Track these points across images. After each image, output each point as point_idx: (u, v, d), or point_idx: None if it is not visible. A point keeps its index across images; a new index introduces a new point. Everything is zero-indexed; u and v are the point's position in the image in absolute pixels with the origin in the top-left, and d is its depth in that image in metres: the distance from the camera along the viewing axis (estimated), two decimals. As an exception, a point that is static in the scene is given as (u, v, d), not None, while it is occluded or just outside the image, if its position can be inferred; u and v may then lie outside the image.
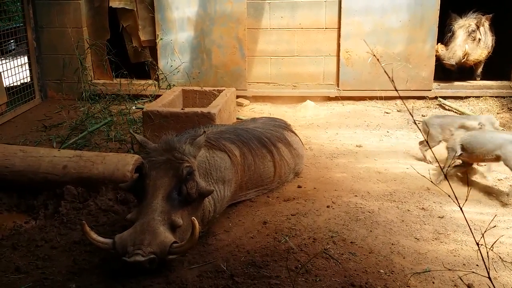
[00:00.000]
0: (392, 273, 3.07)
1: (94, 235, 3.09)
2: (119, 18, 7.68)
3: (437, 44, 7.35)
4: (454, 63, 7.24)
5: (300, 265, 3.11)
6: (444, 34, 7.55)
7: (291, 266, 3.11)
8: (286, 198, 4.22)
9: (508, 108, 6.89)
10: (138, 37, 7.67)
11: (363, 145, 5.69)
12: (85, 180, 3.97)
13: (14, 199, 4.05)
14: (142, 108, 5.88)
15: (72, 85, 7.54)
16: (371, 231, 3.61)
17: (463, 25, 7.37)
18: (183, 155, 3.43)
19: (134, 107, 6.99)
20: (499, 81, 7.49)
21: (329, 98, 7.49)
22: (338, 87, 7.47)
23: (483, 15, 7.37)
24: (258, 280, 2.97)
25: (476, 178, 4.66)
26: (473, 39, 7.35)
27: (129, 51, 7.84)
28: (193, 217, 3.14)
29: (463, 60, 7.28)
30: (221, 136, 4.07)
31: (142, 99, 7.38)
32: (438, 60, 7.34)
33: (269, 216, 3.84)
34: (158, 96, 6.49)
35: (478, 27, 7.35)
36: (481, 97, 7.31)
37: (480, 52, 7.43)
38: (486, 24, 7.42)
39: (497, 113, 6.72)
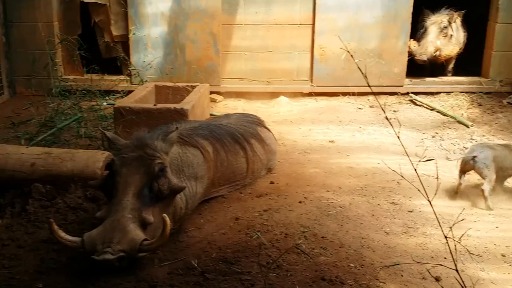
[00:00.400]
0: (362, 267, 3.11)
1: (62, 234, 3.04)
2: (91, 13, 7.57)
3: (410, 40, 7.44)
4: (425, 58, 7.35)
5: (271, 261, 3.11)
6: (417, 31, 7.65)
7: (263, 261, 3.11)
8: (259, 194, 4.22)
9: (478, 104, 7.01)
10: (110, 32, 7.57)
11: (335, 140, 5.73)
12: (54, 178, 3.90)
13: (-20, 197, 3.96)
14: (114, 104, 5.81)
15: (42, 81, 7.40)
16: (342, 225, 3.63)
17: (435, 21, 7.48)
18: (155, 152, 3.39)
19: (105, 103, 6.88)
20: (469, 77, 7.61)
21: (302, 94, 7.52)
22: (312, 83, 7.50)
23: (455, 12, 7.48)
24: (230, 276, 2.97)
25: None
26: (445, 35, 7.46)
27: (100, 46, 7.73)
28: (164, 214, 3.11)
29: (434, 56, 7.37)
30: (194, 132, 4.04)
31: (113, 95, 7.27)
32: (411, 55, 7.43)
33: (241, 212, 3.84)
34: (130, 92, 6.41)
35: (450, 23, 7.46)
36: (452, 92, 7.43)
37: (452, 48, 7.55)
38: (458, 21, 7.54)
39: (467, 109, 6.84)
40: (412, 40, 7.48)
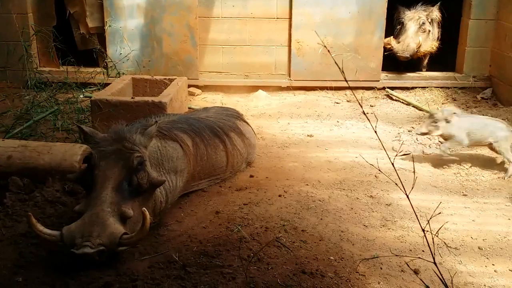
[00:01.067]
0: (342, 260, 3.15)
1: (41, 227, 3.00)
2: (66, 4, 7.44)
3: (387, 37, 7.51)
4: (408, 55, 7.39)
5: (252, 254, 3.13)
6: (393, 28, 7.72)
7: (244, 255, 3.13)
8: (239, 188, 4.23)
9: (453, 98, 7.13)
10: (86, 24, 7.45)
11: (314, 134, 5.77)
12: (31, 171, 3.85)
13: (-45, 191, 3.88)
14: (90, 97, 5.74)
15: (17, 72, 7.26)
16: (321, 219, 3.67)
17: (412, 17, 7.54)
18: (133, 145, 3.37)
19: (81, 96, 6.80)
20: (444, 72, 7.72)
21: (281, 88, 7.53)
22: (289, 77, 7.52)
23: (432, 7, 7.57)
24: (211, 270, 2.98)
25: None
26: (423, 31, 7.55)
27: (76, 38, 7.61)
28: (144, 208, 3.09)
29: (416, 52, 7.45)
30: (173, 126, 4.03)
31: (90, 88, 7.18)
32: (389, 52, 7.49)
33: (221, 205, 3.85)
34: (107, 84, 6.33)
35: (427, 19, 7.55)
36: (427, 87, 7.52)
37: (431, 44, 7.63)
38: (434, 16, 7.63)
39: (442, 103, 6.94)
40: (390, 37, 7.55)
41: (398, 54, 7.42)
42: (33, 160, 3.88)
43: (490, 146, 4.80)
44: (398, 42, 7.46)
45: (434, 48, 7.64)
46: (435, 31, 7.73)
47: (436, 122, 4.77)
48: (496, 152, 4.76)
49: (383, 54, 7.51)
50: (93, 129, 3.55)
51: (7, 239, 3.29)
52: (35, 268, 2.97)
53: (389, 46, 7.49)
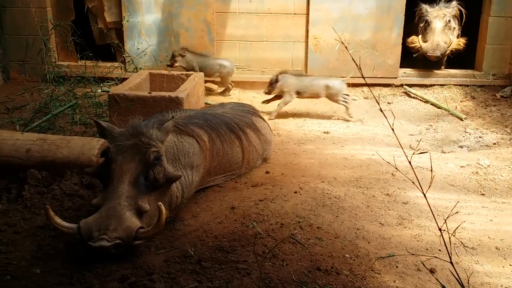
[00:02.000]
0: (357, 258, 3.13)
1: (59, 220, 3.04)
2: (85, -1, 7.51)
3: (408, 35, 7.45)
4: (439, 54, 7.28)
5: (267, 250, 3.13)
6: (412, 25, 7.64)
7: (259, 251, 3.13)
8: (254, 184, 4.24)
9: (472, 96, 7.06)
10: (104, 19, 7.51)
11: (330, 131, 5.75)
12: (49, 164, 3.89)
13: (-25, 183, 3.94)
14: (108, 91, 5.78)
15: (36, 66, 7.36)
16: (337, 216, 3.66)
17: (437, 15, 7.41)
18: (150, 140, 3.39)
19: (99, 90, 6.86)
20: (463, 70, 7.65)
21: (297, 84, 7.50)
22: (306, 73, 7.50)
23: (453, 3, 7.47)
24: (226, 265, 2.98)
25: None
26: (449, 28, 7.44)
27: (94, 33, 7.67)
28: (160, 202, 3.11)
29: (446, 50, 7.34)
30: (190, 121, 4.04)
31: (108, 82, 7.24)
32: (416, 52, 7.42)
33: (237, 201, 3.85)
34: (125, 79, 6.37)
35: (453, 17, 7.46)
36: (446, 85, 7.46)
37: (457, 41, 7.51)
38: (455, 13, 7.53)
39: (461, 101, 6.87)
40: (414, 36, 7.48)
41: (428, 54, 7.29)
42: (52, 154, 3.92)
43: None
44: (425, 41, 7.35)
45: (462, 45, 7.49)
46: (457, 28, 7.63)
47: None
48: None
49: (412, 56, 7.45)
50: (110, 124, 3.57)
51: (25, 231, 3.33)
52: (53, 260, 3.01)
53: (414, 45, 7.42)
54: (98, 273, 2.86)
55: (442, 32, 7.38)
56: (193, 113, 4.35)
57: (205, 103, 6.34)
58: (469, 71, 7.60)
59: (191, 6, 7.30)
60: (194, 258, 3.05)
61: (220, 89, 7.31)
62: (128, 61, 7.38)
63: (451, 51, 7.49)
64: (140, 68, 7.17)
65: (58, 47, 7.57)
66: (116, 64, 7.51)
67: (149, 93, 5.28)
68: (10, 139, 4.01)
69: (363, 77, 2.80)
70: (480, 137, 5.61)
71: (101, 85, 7.09)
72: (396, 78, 7.48)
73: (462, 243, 3.30)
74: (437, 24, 7.40)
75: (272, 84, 6.21)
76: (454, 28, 7.48)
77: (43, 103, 6.14)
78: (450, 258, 2.33)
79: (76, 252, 3.04)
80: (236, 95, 7.13)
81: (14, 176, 3.89)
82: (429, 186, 2.60)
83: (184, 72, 6.31)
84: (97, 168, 3.49)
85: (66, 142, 4.00)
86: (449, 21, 7.40)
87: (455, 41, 7.46)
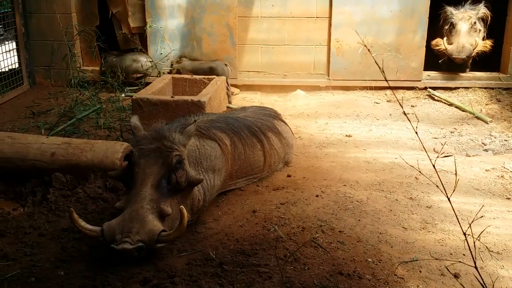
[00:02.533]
0: (380, 262, 3.10)
1: (82, 223, 3.08)
2: (109, 4, 7.60)
3: (433, 38, 7.37)
4: (465, 56, 7.18)
5: (289, 254, 3.12)
6: (439, 27, 7.56)
7: (280, 254, 3.12)
8: (276, 187, 4.23)
9: (497, 99, 6.94)
10: (128, 24, 7.60)
11: (352, 135, 5.71)
12: (74, 168, 3.95)
13: (1, 186, 4.01)
14: (132, 96, 5.85)
15: (61, 71, 7.48)
16: (359, 220, 3.63)
17: (463, 17, 7.33)
18: (172, 144, 3.41)
19: (123, 95, 6.95)
20: (488, 73, 7.53)
21: (319, 88, 7.50)
22: (328, 76, 7.48)
23: (479, 5, 7.38)
24: (247, 268, 2.98)
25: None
26: (475, 31, 7.35)
27: (118, 38, 7.76)
28: (182, 206, 3.13)
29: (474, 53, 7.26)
30: (212, 125, 4.06)
31: (131, 87, 7.33)
32: (442, 56, 7.35)
33: (258, 205, 3.85)
34: (148, 83, 6.45)
35: (478, 19, 7.36)
36: (471, 88, 7.35)
37: (483, 43, 7.40)
38: (481, 15, 7.43)
39: (486, 104, 6.76)
40: (439, 38, 7.41)
41: (453, 56, 7.20)
42: (76, 157, 3.97)
43: None
44: (450, 44, 7.27)
45: (488, 47, 7.36)
46: (483, 31, 7.52)
47: None
48: None
49: (439, 61, 7.38)
50: (138, 125, 3.59)
51: (50, 233, 3.38)
52: (77, 262, 3.05)
53: (439, 48, 7.34)
54: (121, 275, 2.89)
55: (468, 34, 7.27)
56: (215, 117, 4.37)
57: (227, 107, 6.37)
58: (495, 74, 7.48)
59: (214, 11, 7.35)
60: (216, 261, 3.06)
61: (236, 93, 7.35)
62: (151, 66, 7.46)
63: (477, 53, 7.38)
64: (163, 73, 7.24)
65: (82, 52, 7.69)
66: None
67: (172, 97, 5.33)
68: (36, 143, 4.08)
69: (386, 80, 2.78)
70: (506, 140, 5.51)
71: (125, 89, 7.17)
72: (420, 81, 7.40)
73: (487, 247, 3.24)
74: (462, 26, 7.29)
75: None
76: (480, 30, 7.38)
77: (68, 108, 6.24)
78: (475, 263, 2.29)
79: (99, 255, 3.08)
80: (258, 99, 7.14)
81: (40, 180, 3.96)
82: (454, 190, 2.56)
83: (207, 76, 6.35)
84: (121, 171, 3.53)
85: (90, 146, 4.06)
86: (475, 23, 7.30)
87: (481, 43, 7.35)
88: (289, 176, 4.48)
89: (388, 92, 7.24)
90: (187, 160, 3.51)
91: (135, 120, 3.62)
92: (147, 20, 7.41)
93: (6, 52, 7.13)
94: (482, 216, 3.52)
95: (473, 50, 7.23)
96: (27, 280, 2.86)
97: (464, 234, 2.29)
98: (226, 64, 7.14)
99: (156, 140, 3.41)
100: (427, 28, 7.25)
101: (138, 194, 3.19)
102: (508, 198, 4.10)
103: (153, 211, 3.14)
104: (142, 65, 7.41)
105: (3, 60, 7.01)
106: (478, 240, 2.59)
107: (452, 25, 7.38)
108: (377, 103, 6.94)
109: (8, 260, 3.07)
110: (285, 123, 4.97)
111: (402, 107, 2.72)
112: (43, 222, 3.50)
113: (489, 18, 7.44)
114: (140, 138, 3.48)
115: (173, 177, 3.31)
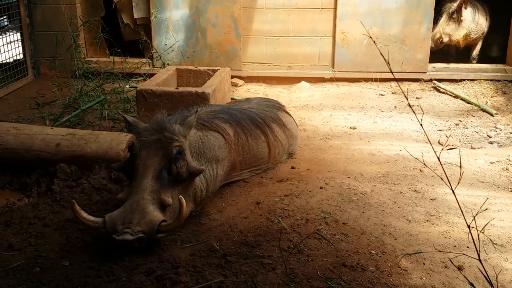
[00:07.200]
0: (384, 254, 3.10)
1: (84, 214, 3.09)
2: (113, -5, 7.60)
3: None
4: (433, 45, 7.42)
5: (292, 245, 3.13)
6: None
7: (284, 246, 3.12)
8: (280, 179, 4.23)
9: (503, 92, 6.90)
10: (132, 15, 7.59)
11: (357, 126, 5.70)
12: (78, 159, 3.96)
13: (6, 176, 4.03)
14: (136, 87, 5.84)
15: (65, 62, 7.48)
16: (363, 212, 3.63)
17: (445, 7, 7.57)
18: (173, 135, 3.42)
19: (128, 86, 6.95)
20: (494, 65, 7.50)
21: (324, 79, 7.48)
22: (333, 68, 7.45)
23: None
24: (251, 260, 2.99)
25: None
26: (454, 21, 7.42)
27: (122, 29, 7.76)
28: (180, 196, 3.14)
29: (441, 42, 7.46)
30: (215, 116, 4.06)
31: (136, 78, 7.32)
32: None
33: (262, 196, 3.85)
34: (152, 75, 6.45)
35: (460, 8, 7.40)
36: (476, 80, 7.32)
37: (465, 34, 7.55)
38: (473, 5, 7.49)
39: (491, 97, 6.73)
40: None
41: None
42: (81, 148, 3.98)
43: None
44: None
45: (473, 37, 7.60)
46: (480, 21, 7.55)
47: None
48: None
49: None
50: (136, 119, 3.61)
51: (54, 224, 3.40)
52: (82, 252, 3.06)
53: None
54: (125, 266, 2.90)
55: (443, 23, 7.52)
56: (219, 108, 4.37)
57: (231, 98, 6.36)
58: (500, 66, 7.45)
59: (218, 2, 7.32)
60: (220, 252, 3.06)
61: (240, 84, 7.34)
62: (156, 57, 7.45)
63: (460, 42, 7.65)
64: (168, 64, 7.23)
65: (87, 43, 7.69)
66: (144, 60, 7.58)
67: (176, 88, 5.32)
68: (41, 133, 4.08)
69: (392, 72, 2.75)
70: (511, 132, 5.48)
71: (129, 80, 7.17)
72: (425, 73, 7.36)
73: (491, 240, 3.23)
74: (442, 16, 7.58)
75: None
76: (461, 20, 7.49)
77: (73, 99, 6.25)
78: (479, 255, 2.28)
79: (104, 245, 3.09)
80: (263, 91, 7.13)
81: (44, 170, 3.97)
82: (458, 183, 2.55)
83: (211, 68, 6.33)
84: (123, 163, 3.55)
85: (94, 137, 4.06)
86: (453, 13, 7.49)
87: (462, 34, 7.54)
88: (293, 168, 4.48)
89: (393, 84, 7.21)
90: (188, 151, 3.51)
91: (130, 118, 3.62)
92: (151, 11, 7.39)
93: (10, 42, 7.13)
94: (486, 209, 3.50)
95: (440, 40, 7.44)
96: (32, 270, 2.87)
97: (468, 226, 2.28)
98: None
99: (157, 132, 3.42)
100: (433, 20, 7.22)
101: (139, 185, 3.20)
102: (513, 191, 4.09)
103: (153, 202, 3.15)
104: None
105: (8, 51, 7.01)
106: (482, 232, 2.58)
107: (440, 16, 7.60)
108: (382, 95, 6.92)
109: (13, 250, 3.09)
110: (289, 114, 4.96)
111: (407, 99, 2.70)
112: (47, 213, 3.52)
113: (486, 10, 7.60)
114: (141, 130, 3.48)
115: (174, 168, 3.31)
